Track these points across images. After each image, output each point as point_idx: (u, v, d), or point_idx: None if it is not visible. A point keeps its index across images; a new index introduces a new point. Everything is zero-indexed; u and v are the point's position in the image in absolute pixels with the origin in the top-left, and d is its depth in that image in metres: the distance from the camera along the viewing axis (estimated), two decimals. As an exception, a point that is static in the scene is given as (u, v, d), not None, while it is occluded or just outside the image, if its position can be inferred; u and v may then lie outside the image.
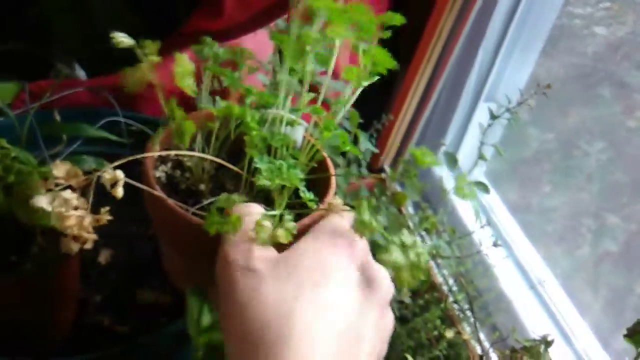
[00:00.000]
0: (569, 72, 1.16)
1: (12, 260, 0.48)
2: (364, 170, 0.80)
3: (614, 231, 0.99)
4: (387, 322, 0.35)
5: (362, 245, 0.36)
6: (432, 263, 0.61)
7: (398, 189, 0.82)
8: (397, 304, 0.60)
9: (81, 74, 0.96)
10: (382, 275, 0.35)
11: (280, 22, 0.62)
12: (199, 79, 0.65)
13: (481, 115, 0.87)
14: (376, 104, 0.91)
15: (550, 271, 0.76)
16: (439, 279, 0.63)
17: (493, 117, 0.62)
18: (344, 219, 0.38)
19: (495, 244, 0.57)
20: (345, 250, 0.34)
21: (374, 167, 0.94)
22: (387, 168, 0.93)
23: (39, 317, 0.50)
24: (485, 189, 0.62)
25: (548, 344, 0.42)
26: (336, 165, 0.71)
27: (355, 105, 0.86)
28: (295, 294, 0.31)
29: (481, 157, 0.62)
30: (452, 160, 0.63)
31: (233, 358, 0.32)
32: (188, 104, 0.69)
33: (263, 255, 0.33)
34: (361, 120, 0.72)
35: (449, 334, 0.52)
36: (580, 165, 1.09)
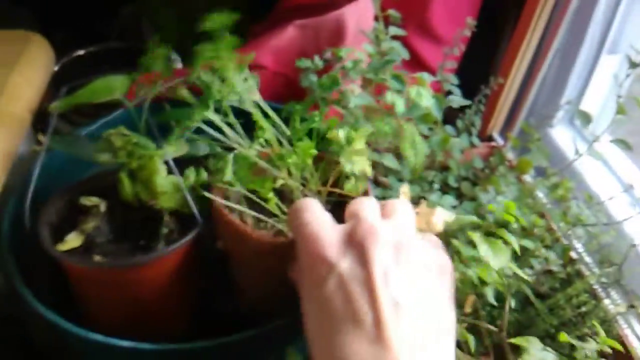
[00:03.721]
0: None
1: (142, 245, 0.49)
2: (475, 139, 0.75)
3: None
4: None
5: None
6: (569, 232, 0.56)
7: (510, 156, 0.76)
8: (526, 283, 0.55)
9: (178, 63, 0.98)
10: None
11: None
12: (304, 56, 0.63)
13: (605, 70, 0.79)
14: (482, 66, 0.85)
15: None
16: (577, 252, 0.57)
17: (633, 65, 0.55)
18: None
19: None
20: None
21: (481, 136, 0.88)
22: (496, 136, 0.87)
23: (165, 301, 0.50)
24: (627, 147, 0.56)
25: None
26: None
27: (460, 68, 0.81)
28: None
29: (620, 111, 0.55)
30: (586, 119, 0.57)
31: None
32: (292, 85, 0.67)
33: None
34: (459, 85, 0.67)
35: (602, 308, 0.47)
36: None
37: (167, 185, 0.50)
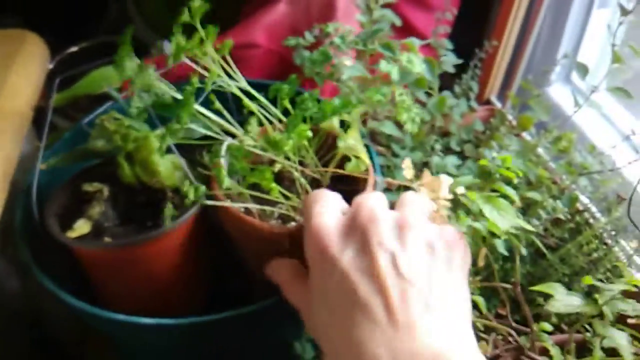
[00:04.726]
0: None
1: (148, 226, 0.49)
2: (474, 103, 0.75)
3: None
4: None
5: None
6: (574, 186, 0.56)
7: (510, 117, 0.76)
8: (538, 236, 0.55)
9: (168, 49, 0.97)
10: None
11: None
12: (294, 33, 0.63)
13: (597, 24, 0.79)
14: (475, 29, 0.85)
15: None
16: (582, 203, 0.57)
17: (624, 12, 0.55)
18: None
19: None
20: None
21: (479, 100, 0.88)
22: (493, 99, 0.87)
23: (177, 278, 0.51)
24: (627, 95, 0.56)
25: None
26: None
27: (453, 33, 0.81)
28: None
29: (616, 59, 0.55)
30: (583, 71, 0.57)
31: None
32: (286, 62, 0.67)
33: None
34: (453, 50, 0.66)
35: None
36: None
37: (165, 163, 0.50)
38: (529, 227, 0.41)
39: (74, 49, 0.88)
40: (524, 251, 0.45)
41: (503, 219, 0.41)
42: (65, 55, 0.87)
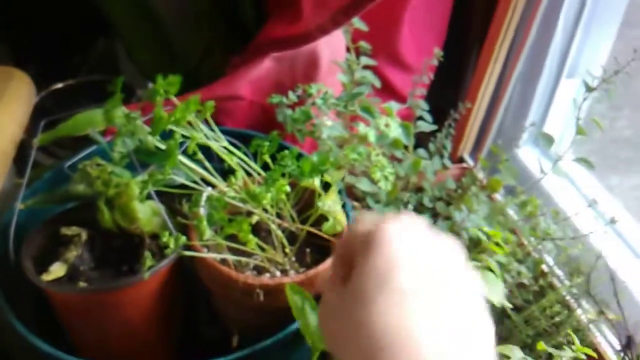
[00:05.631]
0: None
1: (124, 270, 0.50)
2: (447, 162, 0.78)
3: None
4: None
5: None
6: (540, 247, 0.59)
7: (481, 176, 0.80)
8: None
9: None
10: None
11: (356, 20, 0.62)
12: (279, 90, 0.65)
13: (564, 93, 0.83)
14: (452, 92, 0.89)
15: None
16: (547, 265, 0.60)
17: (589, 89, 0.59)
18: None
19: (612, 221, 0.53)
20: None
21: (452, 158, 0.92)
22: (466, 158, 0.91)
23: (149, 325, 0.51)
24: (590, 166, 0.59)
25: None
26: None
27: (431, 94, 0.85)
28: None
29: (579, 132, 0.59)
30: (548, 141, 0.61)
31: None
32: (269, 113, 0.70)
33: None
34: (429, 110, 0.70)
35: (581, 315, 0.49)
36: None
37: (145, 210, 0.51)
38: (508, 305, 0.43)
39: (59, 85, 0.89)
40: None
41: (495, 294, 0.43)
42: (50, 91, 0.88)
